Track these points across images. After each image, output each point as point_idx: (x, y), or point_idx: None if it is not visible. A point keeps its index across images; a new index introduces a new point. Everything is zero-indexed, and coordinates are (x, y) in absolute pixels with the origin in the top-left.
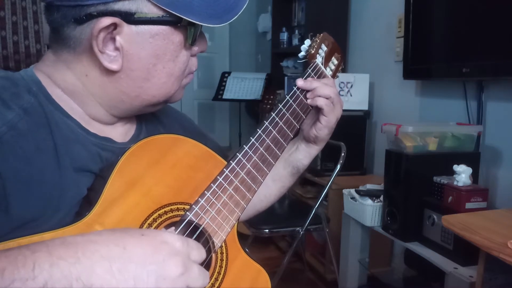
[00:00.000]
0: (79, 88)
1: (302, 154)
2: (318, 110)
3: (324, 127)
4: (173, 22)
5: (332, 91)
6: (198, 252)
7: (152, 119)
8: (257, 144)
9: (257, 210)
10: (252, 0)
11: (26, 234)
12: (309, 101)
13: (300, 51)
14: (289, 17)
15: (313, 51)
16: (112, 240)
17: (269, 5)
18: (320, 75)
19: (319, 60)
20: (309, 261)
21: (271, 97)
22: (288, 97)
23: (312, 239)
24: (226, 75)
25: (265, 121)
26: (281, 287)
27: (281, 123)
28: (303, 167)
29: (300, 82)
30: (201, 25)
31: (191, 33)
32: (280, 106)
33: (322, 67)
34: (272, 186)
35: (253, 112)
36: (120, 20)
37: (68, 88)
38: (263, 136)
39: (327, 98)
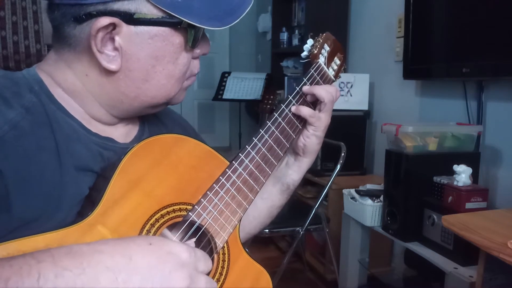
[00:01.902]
0: (79, 88)
1: (292, 169)
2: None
3: (312, 135)
4: (173, 23)
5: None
6: (205, 263)
7: (154, 120)
8: (259, 145)
9: (247, 232)
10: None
11: (28, 234)
12: (293, 108)
13: (300, 50)
14: (289, 17)
15: (316, 51)
16: (118, 250)
17: (269, 5)
18: (323, 76)
19: (321, 60)
20: (309, 261)
21: (271, 97)
22: (291, 97)
23: (312, 239)
24: (226, 75)
25: (267, 122)
26: (281, 287)
27: (283, 123)
28: (293, 183)
29: (305, 88)
30: (203, 28)
31: (191, 35)
32: (283, 106)
33: (325, 68)
34: (261, 205)
35: (253, 112)
36: (119, 20)
37: (69, 87)
38: (266, 136)
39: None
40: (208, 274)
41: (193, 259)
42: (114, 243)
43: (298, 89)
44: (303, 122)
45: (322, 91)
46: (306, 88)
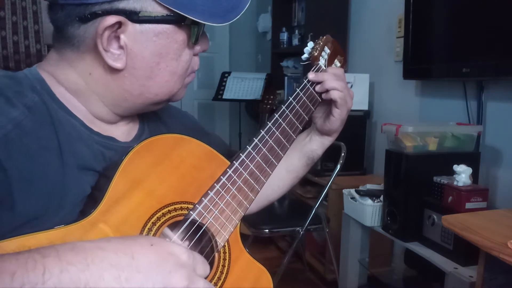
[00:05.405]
0: (82, 87)
1: (316, 145)
2: (329, 103)
3: (337, 120)
4: (177, 21)
5: (341, 85)
6: (203, 266)
7: (154, 118)
8: (260, 145)
9: (269, 200)
10: (252, 0)
11: (31, 232)
12: (323, 95)
13: (301, 50)
14: (289, 17)
15: (316, 53)
16: (121, 248)
17: (269, 5)
18: None
19: (322, 62)
20: (309, 261)
21: (271, 97)
22: (291, 99)
23: (312, 239)
24: (226, 75)
25: (268, 122)
26: (281, 287)
27: (284, 124)
28: (318, 157)
29: (311, 75)
30: (204, 24)
31: (194, 32)
32: (283, 107)
33: (325, 69)
34: (287, 176)
35: (253, 112)
36: (124, 18)
37: (71, 87)
38: (266, 137)
39: (340, 91)
40: (206, 277)
41: (191, 261)
42: (117, 242)
43: (298, 90)
44: (303, 122)
45: (335, 83)
46: (311, 76)
